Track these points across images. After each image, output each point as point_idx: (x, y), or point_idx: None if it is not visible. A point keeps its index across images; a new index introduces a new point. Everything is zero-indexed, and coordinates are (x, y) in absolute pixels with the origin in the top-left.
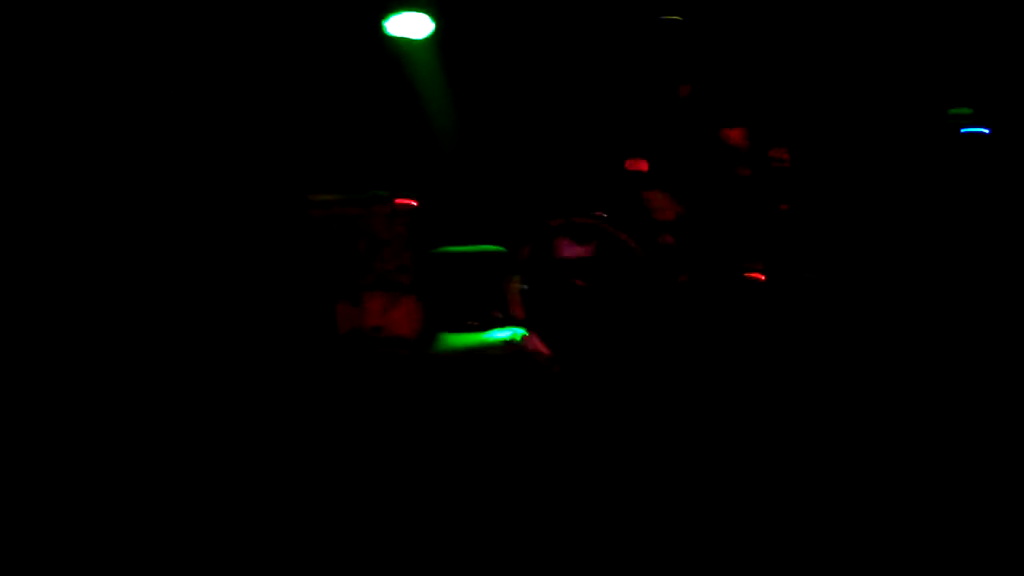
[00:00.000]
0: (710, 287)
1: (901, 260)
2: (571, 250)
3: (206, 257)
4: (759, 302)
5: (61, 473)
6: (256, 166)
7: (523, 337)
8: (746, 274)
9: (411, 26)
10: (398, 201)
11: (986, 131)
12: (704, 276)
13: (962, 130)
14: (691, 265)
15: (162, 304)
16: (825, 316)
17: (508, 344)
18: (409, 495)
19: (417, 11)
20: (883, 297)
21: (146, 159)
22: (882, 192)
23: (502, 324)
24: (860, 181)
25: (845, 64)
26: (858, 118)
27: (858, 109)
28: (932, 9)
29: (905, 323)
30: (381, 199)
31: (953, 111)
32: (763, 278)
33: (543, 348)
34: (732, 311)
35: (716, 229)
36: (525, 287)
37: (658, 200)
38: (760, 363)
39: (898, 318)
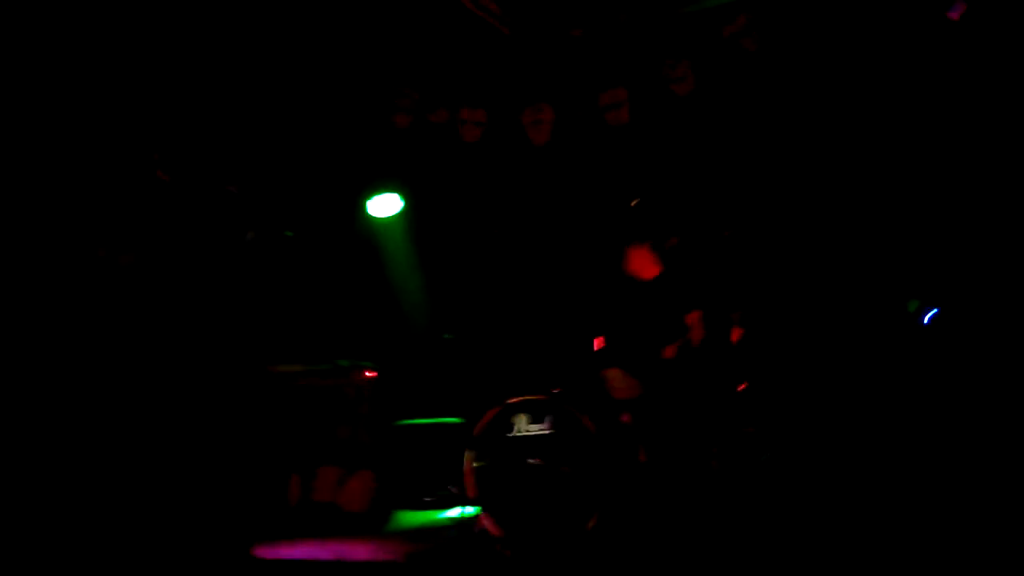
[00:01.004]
0: (668, 466)
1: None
2: (527, 427)
3: (170, 426)
4: (714, 484)
5: None
6: (220, 336)
7: (475, 516)
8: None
9: (383, 205)
10: (360, 373)
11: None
12: (662, 455)
13: (920, 318)
14: (650, 444)
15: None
16: (782, 500)
17: (459, 523)
18: None
19: (387, 191)
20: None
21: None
22: (839, 368)
23: (458, 501)
24: (817, 359)
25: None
26: (817, 297)
27: (816, 288)
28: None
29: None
30: (343, 370)
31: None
32: (715, 464)
33: (494, 529)
34: (689, 492)
35: (673, 409)
36: (479, 464)
37: (617, 379)
38: (721, 548)
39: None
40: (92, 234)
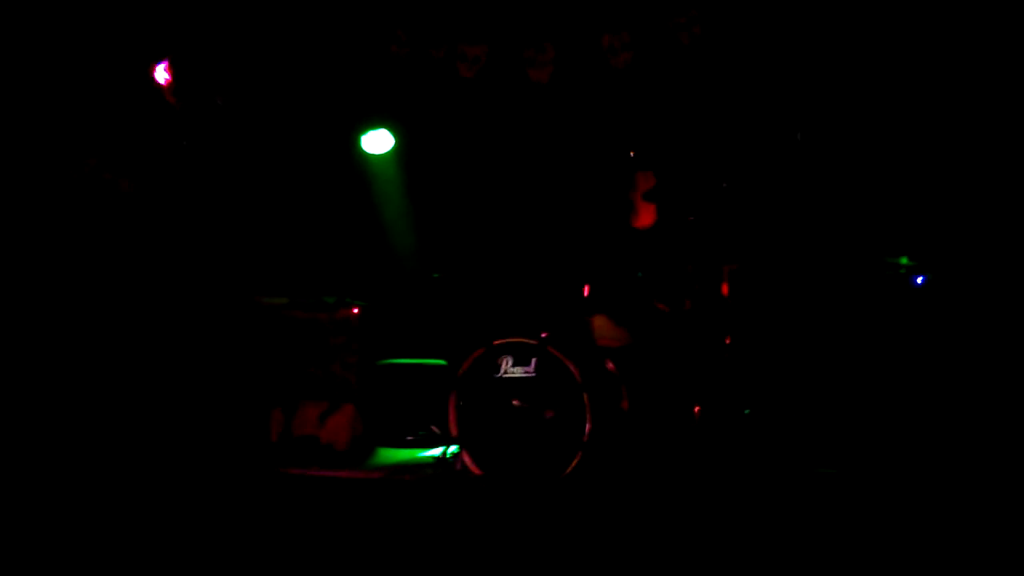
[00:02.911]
0: (651, 415)
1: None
2: (512, 369)
3: (147, 354)
4: (696, 435)
5: None
6: (206, 265)
7: (454, 455)
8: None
9: (376, 141)
10: (346, 309)
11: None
12: (645, 405)
13: (911, 280)
14: (633, 393)
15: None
16: (763, 453)
17: (439, 462)
18: None
19: (379, 127)
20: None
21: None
22: (820, 328)
23: (440, 440)
24: (801, 313)
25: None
26: (803, 254)
27: (801, 248)
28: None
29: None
30: (329, 305)
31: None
32: (697, 410)
33: (474, 468)
34: (671, 442)
35: (659, 359)
36: (461, 403)
37: (603, 327)
38: (697, 496)
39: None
40: (90, 155)
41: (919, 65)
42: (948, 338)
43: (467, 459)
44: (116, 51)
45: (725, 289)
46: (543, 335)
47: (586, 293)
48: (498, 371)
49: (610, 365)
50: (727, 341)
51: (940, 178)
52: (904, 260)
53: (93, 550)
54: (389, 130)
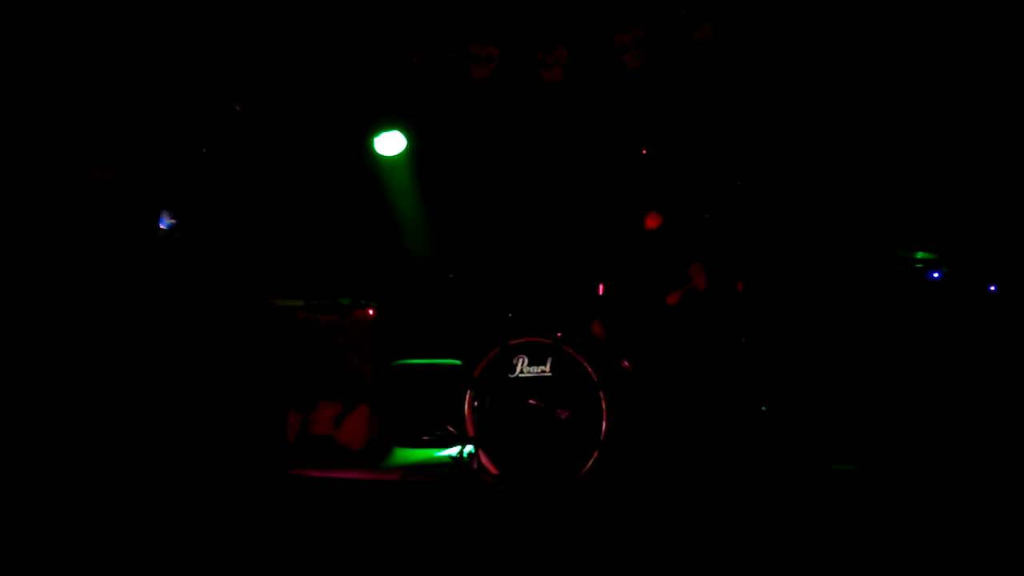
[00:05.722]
0: (667, 414)
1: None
2: (528, 368)
3: (166, 357)
4: (713, 433)
5: None
6: (222, 269)
7: (471, 455)
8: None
9: (389, 143)
10: (361, 310)
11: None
12: (662, 403)
13: (927, 274)
14: (649, 391)
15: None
16: (780, 450)
17: (456, 461)
18: None
19: (392, 129)
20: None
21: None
22: (835, 325)
23: (456, 440)
24: (815, 314)
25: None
26: (815, 254)
27: (815, 245)
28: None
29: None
30: (344, 307)
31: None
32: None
33: (491, 467)
34: (687, 441)
35: (675, 356)
36: (476, 403)
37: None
38: (713, 494)
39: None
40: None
41: (937, 58)
42: (965, 333)
43: (484, 459)
44: (132, 58)
45: (740, 286)
46: (558, 334)
47: (600, 292)
48: (513, 371)
49: (625, 363)
50: (743, 340)
51: (957, 171)
52: (920, 255)
53: (106, 551)
54: (402, 132)
